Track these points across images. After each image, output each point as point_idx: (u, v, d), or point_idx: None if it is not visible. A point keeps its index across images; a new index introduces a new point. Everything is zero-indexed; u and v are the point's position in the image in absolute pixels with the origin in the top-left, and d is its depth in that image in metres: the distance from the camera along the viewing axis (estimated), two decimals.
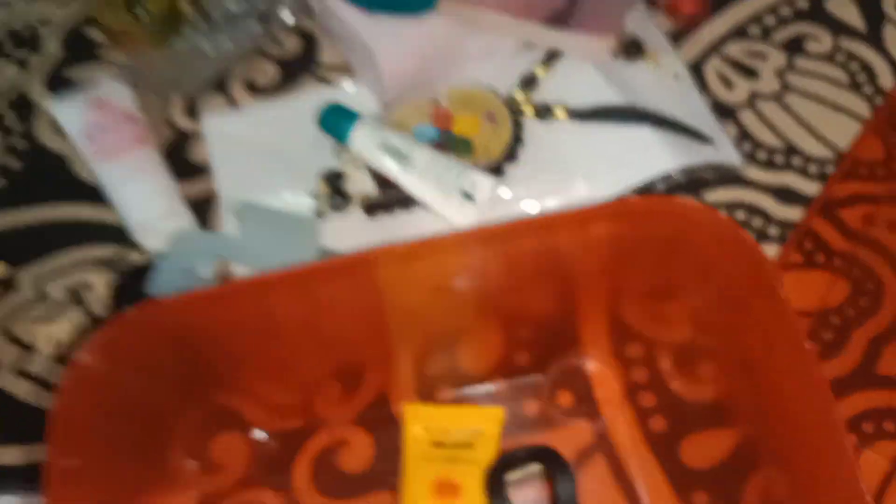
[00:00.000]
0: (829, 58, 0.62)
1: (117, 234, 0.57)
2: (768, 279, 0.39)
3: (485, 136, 0.59)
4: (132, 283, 0.54)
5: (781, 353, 0.40)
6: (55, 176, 0.60)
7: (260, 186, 0.58)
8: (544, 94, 0.60)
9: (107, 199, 0.57)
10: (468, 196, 0.54)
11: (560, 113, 0.59)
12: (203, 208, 0.58)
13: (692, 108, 0.60)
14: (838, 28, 0.63)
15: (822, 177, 0.56)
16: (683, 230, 0.41)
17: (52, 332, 0.55)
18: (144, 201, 0.56)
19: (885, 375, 0.47)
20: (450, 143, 0.59)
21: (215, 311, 0.42)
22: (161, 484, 0.46)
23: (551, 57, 0.62)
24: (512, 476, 0.46)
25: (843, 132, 0.58)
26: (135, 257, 0.56)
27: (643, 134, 0.57)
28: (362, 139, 0.56)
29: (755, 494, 0.43)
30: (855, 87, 0.60)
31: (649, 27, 0.63)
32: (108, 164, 0.57)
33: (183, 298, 0.40)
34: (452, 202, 0.54)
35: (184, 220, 0.57)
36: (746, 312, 0.42)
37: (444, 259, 0.43)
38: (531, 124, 0.59)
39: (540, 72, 0.61)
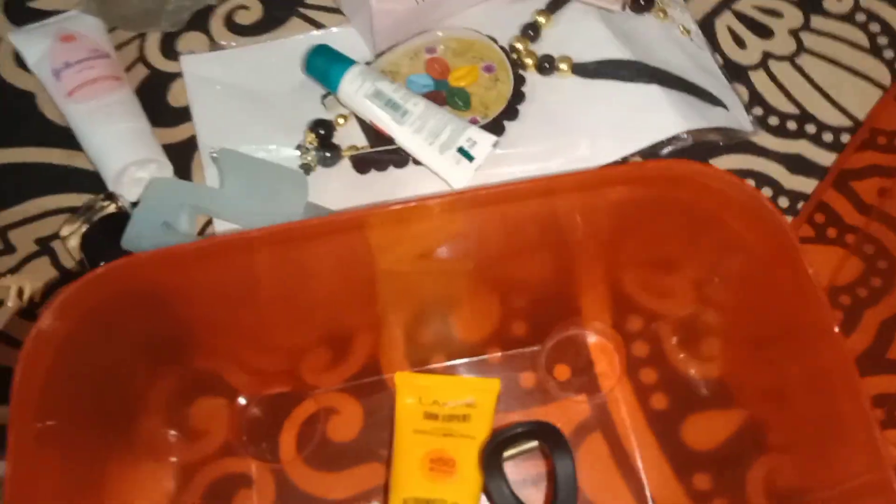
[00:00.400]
0: (849, 18, 0.59)
1: (90, 182, 0.53)
2: (794, 253, 0.37)
3: (483, 89, 0.55)
4: (105, 234, 0.50)
5: (802, 331, 0.38)
6: (20, 116, 0.56)
7: (243, 136, 0.54)
8: (547, 45, 0.57)
9: (78, 143, 0.53)
10: (465, 153, 0.51)
11: (564, 67, 0.55)
12: (183, 157, 0.54)
13: (702, 66, 0.56)
14: None
15: (837, 146, 0.54)
16: (699, 198, 0.38)
17: (19, 286, 0.51)
18: (119, 146, 0.52)
19: None
20: (446, 94, 0.55)
21: (193, 270, 0.39)
22: (134, 451, 0.44)
23: (554, 5, 0.58)
24: (508, 452, 0.44)
25: (861, 99, 0.55)
26: (108, 207, 0.52)
27: (651, 93, 0.53)
28: (352, 87, 0.52)
29: (760, 478, 0.41)
30: (875, 50, 0.57)
31: None
32: (79, 105, 0.53)
33: (157, 255, 0.37)
34: (449, 159, 0.51)
35: (162, 168, 0.53)
36: (764, 287, 0.40)
37: (439, 221, 0.40)
38: (533, 78, 0.56)
39: (542, 20, 0.57)
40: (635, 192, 0.40)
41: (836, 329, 0.35)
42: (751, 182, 0.53)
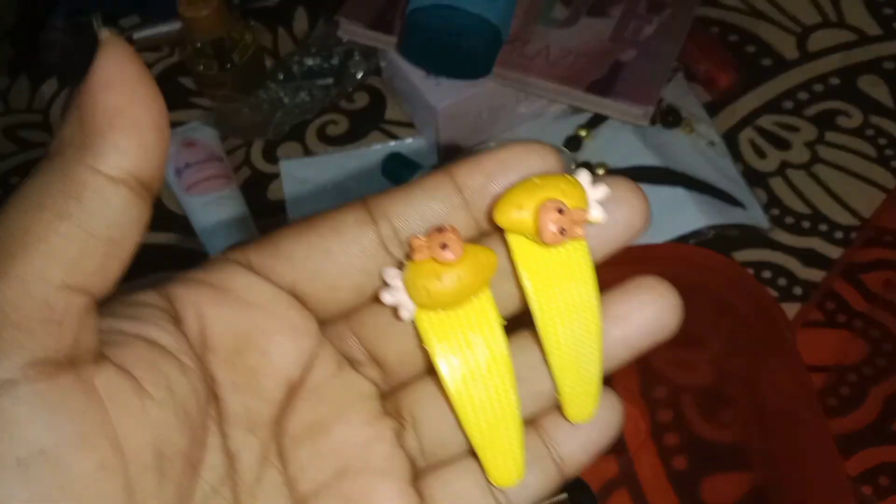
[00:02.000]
0: (859, 132, 0.66)
1: (199, 260, 0.64)
2: (782, 335, 0.43)
3: None
4: None
5: (792, 407, 0.43)
6: None
7: None
8: (587, 154, 0.66)
9: (192, 229, 0.64)
10: None
11: (600, 172, 0.64)
12: None
13: (724, 173, 0.64)
14: (869, 105, 0.68)
15: (847, 242, 0.60)
16: (706, 279, 0.46)
17: None
18: (225, 231, 0.63)
19: None
20: None
21: None
22: None
23: (594, 122, 0.67)
24: None
25: (869, 202, 0.62)
26: None
27: (677, 194, 0.61)
28: None
29: None
30: (883, 160, 0.64)
31: (687, 97, 0.68)
32: (195, 198, 0.65)
33: None
34: None
35: None
36: (762, 364, 0.46)
37: None
38: None
39: (583, 134, 0.67)
40: (647, 272, 0.47)
41: (816, 404, 0.40)
42: (767, 272, 0.60)
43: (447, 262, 0.17)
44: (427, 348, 0.18)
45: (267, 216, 0.66)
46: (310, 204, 0.66)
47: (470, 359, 0.18)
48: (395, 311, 0.18)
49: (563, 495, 0.51)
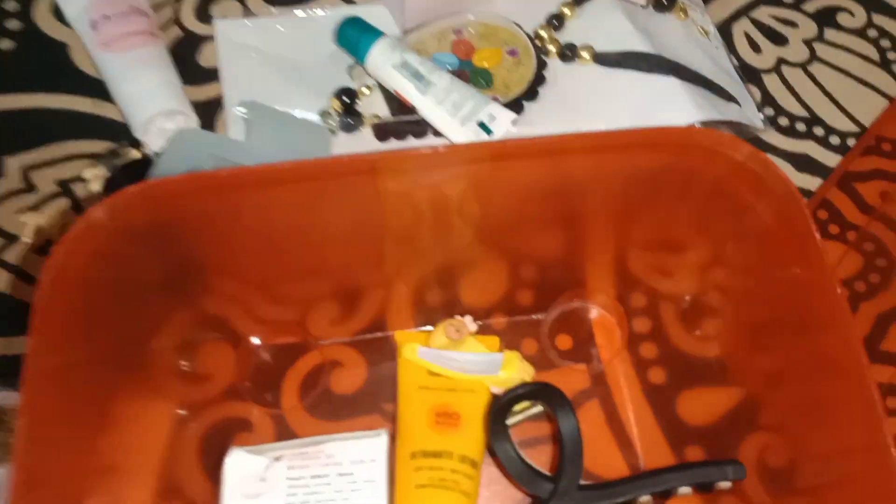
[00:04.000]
0: (861, 33, 0.61)
1: (116, 131, 0.54)
2: (810, 239, 0.37)
3: (505, 71, 0.57)
4: (128, 180, 0.51)
5: (809, 315, 0.38)
6: (53, 64, 0.57)
7: (269, 98, 0.55)
8: (570, 34, 0.59)
9: (108, 93, 0.55)
10: (485, 127, 0.53)
11: (585, 55, 0.57)
12: (207, 115, 0.56)
13: (718, 65, 0.58)
14: (873, 4, 0.62)
15: (843, 149, 0.56)
16: (713, 167, 0.39)
17: (37, 223, 0.52)
18: (148, 98, 0.53)
19: (891, 352, 0.47)
20: (469, 73, 0.57)
21: (209, 202, 0.39)
22: (142, 389, 0.44)
23: None
24: (513, 419, 0.45)
25: (869, 107, 0.57)
26: (133, 154, 0.54)
27: (668, 84, 0.55)
28: (381, 58, 0.54)
29: (752, 455, 0.42)
30: (885, 64, 0.59)
31: None
32: (112, 56, 0.54)
33: (175, 180, 0.37)
34: (468, 132, 0.53)
35: (188, 120, 0.54)
36: (773, 269, 0.41)
37: (449, 172, 0.39)
38: (554, 64, 0.57)
39: (567, 12, 0.59)
40: (649, 160, 0.40)
41: (846, 309, 0.35)
42: None
43: None
44: None
45: (197, 83, 0.57)
46: (249, 72, 0.57)
47: None
48: None
49: (539, 408, 0.46)
